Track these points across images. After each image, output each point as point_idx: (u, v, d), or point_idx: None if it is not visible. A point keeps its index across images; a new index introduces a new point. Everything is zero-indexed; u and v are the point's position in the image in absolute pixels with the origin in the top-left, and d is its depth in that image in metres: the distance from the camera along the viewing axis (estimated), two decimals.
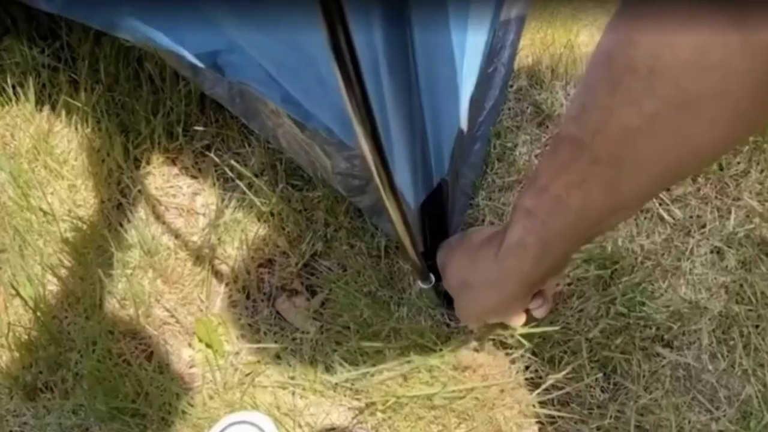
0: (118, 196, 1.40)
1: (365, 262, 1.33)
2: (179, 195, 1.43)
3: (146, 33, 1.07)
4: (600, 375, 1.21)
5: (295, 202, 1.37)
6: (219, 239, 1.36)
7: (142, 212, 1.40)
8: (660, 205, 1.33)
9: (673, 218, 1.33)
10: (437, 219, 1.15)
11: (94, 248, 1.35)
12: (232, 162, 1.38)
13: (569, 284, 1.27)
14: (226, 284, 1.34)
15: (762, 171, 1.36)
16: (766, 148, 1.36)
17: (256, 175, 1.36)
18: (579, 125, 0.63)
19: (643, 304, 1.25)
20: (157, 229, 1.38)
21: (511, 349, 1.25)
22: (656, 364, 1.23)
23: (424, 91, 0.89)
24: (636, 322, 1.24)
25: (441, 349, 1.25)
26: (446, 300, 1.29)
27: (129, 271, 1.33)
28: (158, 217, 1.41)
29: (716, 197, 1.35)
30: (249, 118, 1.33)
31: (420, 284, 1.22)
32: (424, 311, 1.29)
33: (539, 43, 1.45)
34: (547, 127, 1.41)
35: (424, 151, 1.00)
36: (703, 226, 1.33)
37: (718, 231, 1.32)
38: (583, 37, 1.46)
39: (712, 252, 1.31)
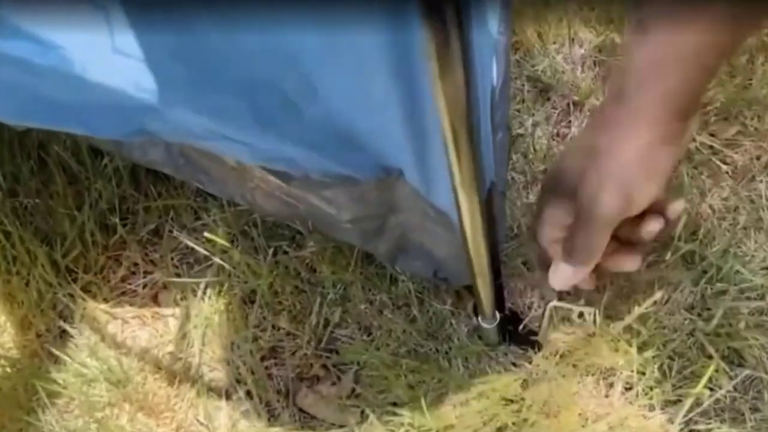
0: (59, 322, 1.08)
1: (393, 317, 1.05)
2: (136, 300, 1.12)
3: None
4: (720, 371, 0.97)
5: (287, 268, 1.08)
6: (202, 340, 1.06)
7: (94, 335, 1.08)
8: (714, 154, 1.12)
9: (732, 165, 1.11)
10: (488, 231, 0.89)
11: (45, 396, 1.02)
12: (191, 242, 1.09)
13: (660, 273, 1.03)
14: (227, 394, 1.04)
15: None
16: None
17: (228, 248, 1.07)
18: None
19: (739, 272, 1.02)
20: (121, 350, 1.07)
21: (606, 373, 0.99)
22: None
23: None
24: (739, 296, 1.01)
25: (523, 399, 0.98)
26: (505, 334, 1.04)
27: (99, 414, 1.01)
28: (117, 335, 1.09)
29: None
30: (202, 181, 1.04)
31: (481, 323, 0.96)
32: (484, 356, 1.02)
33: (517, 6, 1.23)
34: (554, 101, 1.18)
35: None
36: (767, 166, 1.12)
37: None
38: None
39: None
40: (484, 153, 0.78)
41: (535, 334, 1.03)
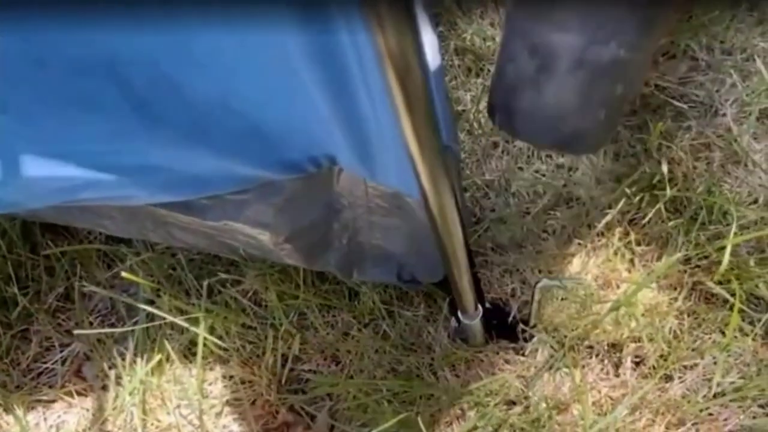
0: None
1: (361, 337, 0.91)
2: (55, 379, 0.94)
3: None
4: (730, 323, 0.86)
5: (228, 305, 0.93)
6: (142, 409, 0.89)
7: (10, 431, 0.89)
8: (671, 96, 1.02)
9: (692, 103, 1.02)
10: None
11: None
12: (109, 297, 0.92)
13: (626, 235, 0.92)
14: None
15: (751, 9, 1.09)
16: None
17: (157, 293, 0.90)
18: None
19: (728, 211, 0.92)
20: None
21: (611, 350, 0.87)
22: None
23: None
24: (738, 234, 0.90)
25: (527, 398, 0.85)
26: (491, 330, 0.91)
27: None
28: (40, 425, 0.91)
29: (724, 57, 1.06)
30: (106, 227, 0.87)
31: (464, 321, 0.83)
32: (472, 360, 0.89)
33: None
34: (490, 71, 1.07)
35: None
36: (728, 97, 1.03)
37: (748, 92, 1.02)
38: None
39: (759, 118, 1.01)
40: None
41: (525, 323, 0.90)
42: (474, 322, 0.83)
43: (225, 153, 0.65)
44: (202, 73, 0.59)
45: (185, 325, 0.85)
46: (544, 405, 0.83)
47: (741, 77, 1.03)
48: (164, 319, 0.88)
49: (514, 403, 0.86)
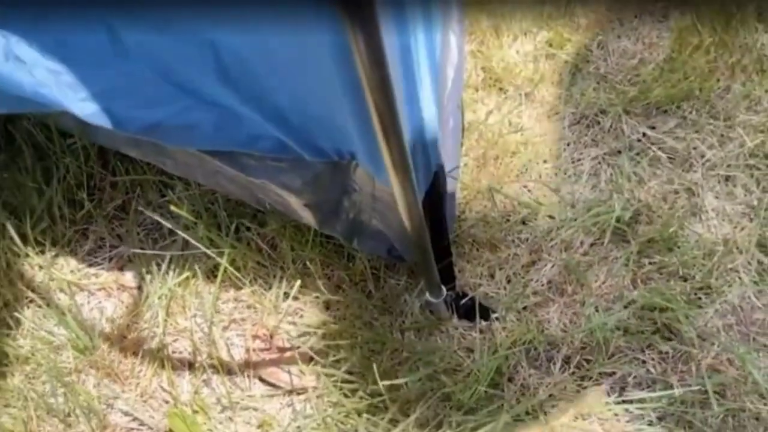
0: (27, 292, 1.12)
1: (350, 292, 1.11)
2: (102, 272, 1.16)
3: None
4: (650, 345, 1.05)
5: (249, 244, 1.13)
6: (166, 311, 1.11)
7: (61, 305, 1.12)
8: (653, 144, 1.19)
9: (670, 154, 1.19)
10: (436, 212, 0.95)
11: (14, 362, 1.06)
12: (156, 217, 1.13)
13: (584, 255, 1.11)
14: (190, 363, 1.09)
15: (744, 83, 1.24)
16: (745, 64, 1.25)
17: (195, 223, 1.11)
18: None
19: (673, 251, 1.10)
20: (87, 320, 1.11)
21: (548, 347, 1.06)
22: (704, 318, 1.07)
23: None
24: (675, 272, 1.08)
25: (469, 369, 1.05)
26: (458, 309, 1.10)
27: (66, 379, 1.05)
28: (84, 306, 1.13)
29: (709, 121, 1.21)
30: (166, 164, 1.08)
31: (429, 298, 1.02)
32: (435, 330, 1.09)
33: (472, 2, 1.29)
34: (507, 91, 1.24)
35: (424, 137, 0.81)
36: (702, 156, 1.19)
37: (721, 156, 1.18)
38: None
39: (724, 181, 1.17)
40: (428, 139, 0.84)
41: (486, 309, 1.09)
42: (437, 300, 1.02)
43: (275, 126, 0.85)
44: (272, 70, 0.78)
45: (212, 255, 1.06)
46: (482, 378, 1.03)
47: (719, 141, 1.19)
48: (197, 246, 1.09)
49: (457, 371, 1.05)
